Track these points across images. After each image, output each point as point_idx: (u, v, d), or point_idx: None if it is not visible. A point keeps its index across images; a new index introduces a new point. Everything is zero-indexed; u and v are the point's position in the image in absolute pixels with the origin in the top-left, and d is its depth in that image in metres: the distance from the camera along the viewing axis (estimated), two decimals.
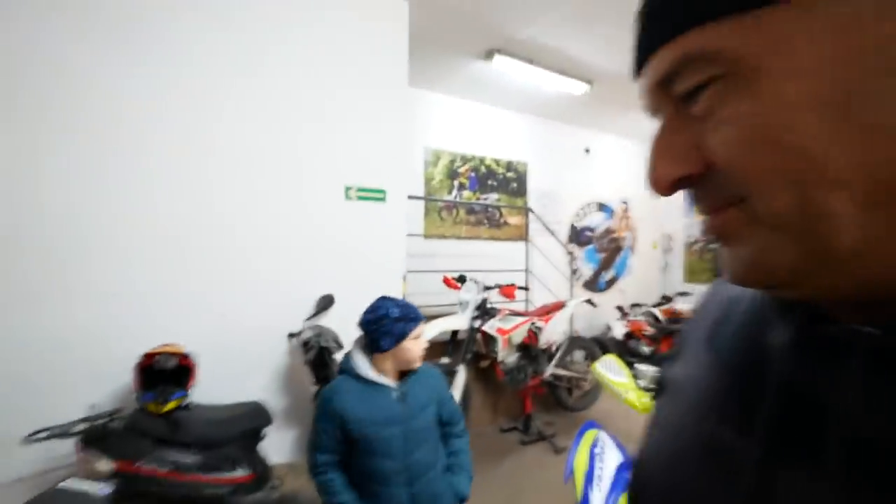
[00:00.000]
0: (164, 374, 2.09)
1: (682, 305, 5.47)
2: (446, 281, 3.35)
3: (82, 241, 2.21)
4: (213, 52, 2.50)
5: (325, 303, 2.63)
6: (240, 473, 2.11)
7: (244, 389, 2.47)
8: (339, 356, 2.45)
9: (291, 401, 2.71)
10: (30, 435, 1.80)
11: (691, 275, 6.65)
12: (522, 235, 4.87)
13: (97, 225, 2.24)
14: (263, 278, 2.62)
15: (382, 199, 3.02)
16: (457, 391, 2.98)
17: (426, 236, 4.08)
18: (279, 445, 2.58)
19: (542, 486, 2.79)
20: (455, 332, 3.21)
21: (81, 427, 1.89)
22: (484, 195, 4.69)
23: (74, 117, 2.19)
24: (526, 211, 4.93)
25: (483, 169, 4.67)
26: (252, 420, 2.25)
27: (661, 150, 0.28)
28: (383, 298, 1.39)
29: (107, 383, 2.21)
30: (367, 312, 1.37)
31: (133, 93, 2.31)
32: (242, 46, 2.57)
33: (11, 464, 2.03)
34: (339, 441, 1.30)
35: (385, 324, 1.32)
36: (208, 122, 2.48)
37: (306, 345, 2.45)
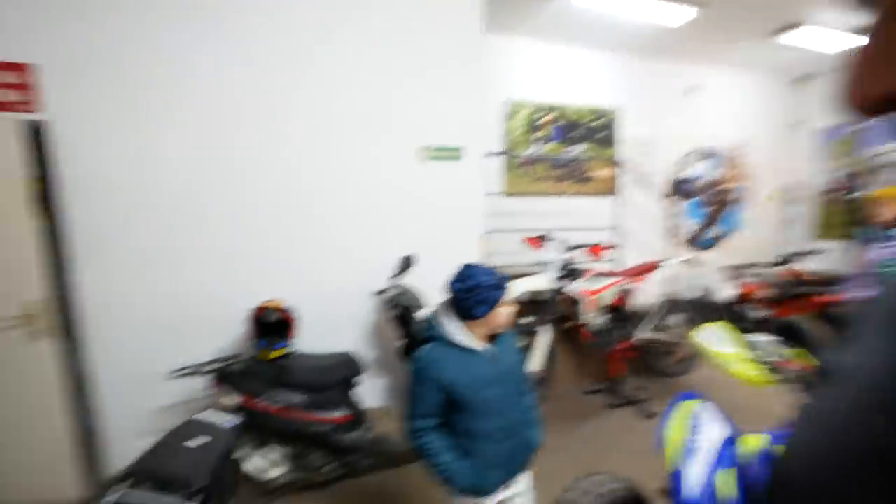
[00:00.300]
0: (271, 325, 2.36)
1: (808, 265, 4.74)
2: (528, 240, 3.27)
3: (202, 214, 2.54)
4: (291, 25, 2.60)
5: (407, 263, 2.73)
6: (339, 414, 2.36)
7: (340, 341, 2.72)
8: (420, 315, 2.57)
9: (380, 352, 2.93)
10: (173, 371, 2.18)
11: (824, 230, 5.68)
12: (611, 189, 4.53)
13: (212, 199, 2.54)
14: (351, 241, 2.81)
15: (458, 158, 2.99)
16: (539, 352, 2.96)
17: (506, 194, 3.98)
18: (371, 392, 2.83)
19: (629, 450, 2.72)
20: (537, 292, 3.16)
21: (212, 367, 2.24)
22: (568, 148, 4.40)
23: (181, 103, 2.45)
24: (616, 162, 4.55)
25: (567, 119, 4.36)
26: (346, 368, 2.47)
27: (876, 56, 0.22)
28: (471, 266, 1.39)
29: (232, 329, 2.58)
30: (457, 281, 1.38)
31: (227, 73, 2.51)
32: (317, 14, 2.64)
33: (160, 394, 2.50)
34: (440, 406, 1.36)
35: (479, 292, 1.33)
36: (291, 94, 2.63)
37: (391, 303, 2.59)
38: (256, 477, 2.22)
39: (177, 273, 2.51)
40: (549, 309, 3.10)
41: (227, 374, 2.25)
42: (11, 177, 2.11)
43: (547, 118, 4.21)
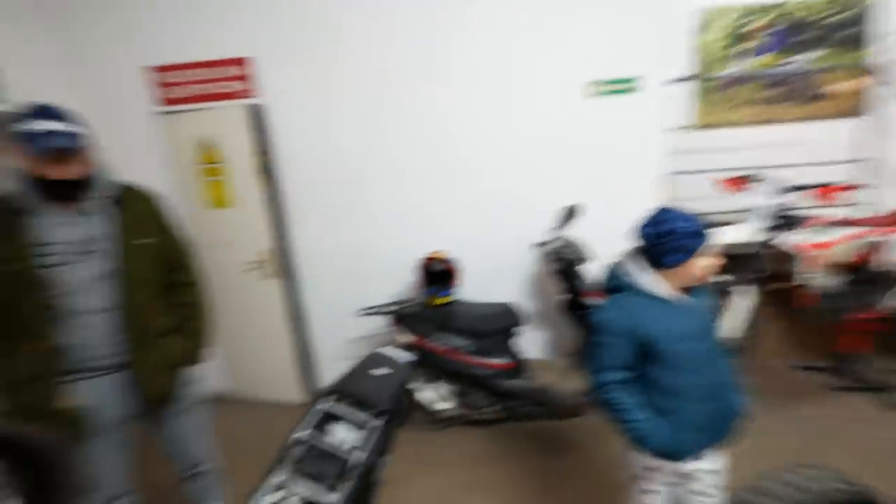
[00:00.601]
0: (437, 274, 2.52)
1: None
2: (727, 182, 2.70)
3: (379, 173, 2.80)
4: None
5: (570, 213, 2.55)
6: (500, 361, 2.43)
7: (501, 292, 2.75)
8: (584, 269, 2.40)
9: (541, 306, 2.86)
10: (360, 311, 2.54)
11: None
12: (856, 109, 3.35)
13: (384, 156, 2.77)
14: (512, 191, 2.74)
15: (632, 90, 2.58)
16: (737, 316, 2.50)
17: (697, 127, 3.28)
18: (533, 344, 2.82)
19: (859, 446, 2.14)
20: (736, 245, 2.62)
21: (390, 308, 2.53)
22: (790, 59, 3.35)
23: (356, 76, 2.67)
24: (867, 70, 3.30)
25: (791, 19, 3.29)
26: (506, 318, 2.50)
27: None
28: (666, 209, 1.24)
29: (405, 277, 2.85)
30: (649, 225, 1.24)
31: (389, 40, 2.62)
32: None
33: (353, 328, 2.94)
34: (630, 359, 1.27)
35: (674, 239, 1.18)
36: (449, 43, 2.61)
37: (552, 256, 2.47)
38: (428, 407, 2.48)
39: (362, 226, 2.87)
40: (753, 266, 2.55)
41: (402, 316, 2.51)
42: (244, 153, 2.65)
43: (758, 23, 3.26)
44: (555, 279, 2.49)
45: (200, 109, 2.71)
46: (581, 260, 2.42)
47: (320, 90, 2.69)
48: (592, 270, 2.42)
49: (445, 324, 2.45)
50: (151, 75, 2.72)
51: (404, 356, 1.71)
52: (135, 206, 1.49)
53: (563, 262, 2.41)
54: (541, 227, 2.61)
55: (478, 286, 2.74)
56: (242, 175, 2.70)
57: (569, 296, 2.45)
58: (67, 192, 1.33)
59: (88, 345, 1.42)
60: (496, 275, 2.81)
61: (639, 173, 2.68)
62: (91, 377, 1.44)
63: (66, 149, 1.28)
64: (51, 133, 1.25)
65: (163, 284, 1.57)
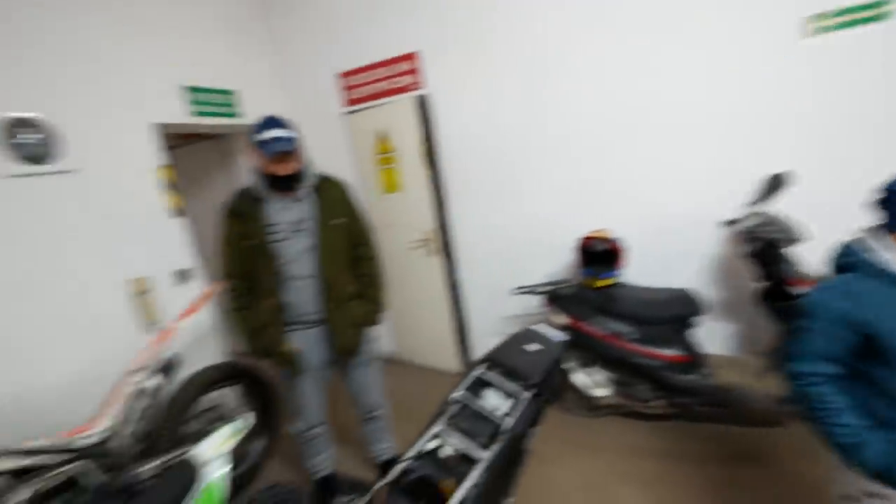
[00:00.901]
0: (598, 254, 2.37)
1: None
2: None
3: (529, 149, 2.75)
4: None
5: (775, 184, 2.09)
6: (672, 352, 2.18)
7: (674, 276, 2.45)
8: (790, 251, 1.96)
9: (727, 293, 2.44)
10: (514, 289, 2.57)
11: None
12: None
13: (540, 134, 2.69)
14: (691, 160, 2.37)
15: (883, 16, 1.94)
16: None
17: None
18: (712, 336, 2.44)
19: None
20: None
21: (544, 289, 2.49)
22: None
23: (511, 56, 2.65)
24: None
25: None
26: (681, 306, 2.22)
27: None
28: None
29: (560, 257, 2.77)
30: None
31: (548, 18, 2.50)
32: None
33: (504, 306, 3.00)
34: (846, 350, 1.05)
35: None
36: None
37: (747, 235, 2.08)
38: (584, 392, 2.39)
39: (518, 206, 2.87)
40: None
41: (556, 297, 2.45)
42: (412, 141, 2.91)
43: None
44: (751, 263, 2.08)
45: (377, 106, 3.05)
46: (788, 240, 1.97)
47: (480, 75, 2.75)
48: (801, 253, 1.97)
49: (607, 307, 2.30)
50: (339, 81, 3.18)
51: (558, 335, 1.68)
52: (329, 193, 1.80)
53: (764, 243, 2.00)
54: (731, 202, 2.23)
55: (649, 269, 2.49)
56: (410, 162, 2.97)
57: (768, 283, 2.05)
58: (287, 184, 1.68)
59: (300, 303, 1.78)
60: (671, 257, 2.50)
61: (881, 130, 2.03)
62: (301, 329, 1.82)
63: (287, 151, 1.61)
64: (276, 139, 1.59)
65: (350, 257, 1.86)
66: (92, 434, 1.65)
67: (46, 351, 1.98)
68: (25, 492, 1.42)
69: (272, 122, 1.63)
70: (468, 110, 2.84)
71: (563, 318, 2.37)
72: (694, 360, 2.18)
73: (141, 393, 1.85)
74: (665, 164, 2.43)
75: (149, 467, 1.72)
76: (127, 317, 2.29)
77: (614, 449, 2.25)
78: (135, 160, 2.39)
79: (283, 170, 1.64)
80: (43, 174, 2.01)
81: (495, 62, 2.70)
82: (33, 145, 1.98)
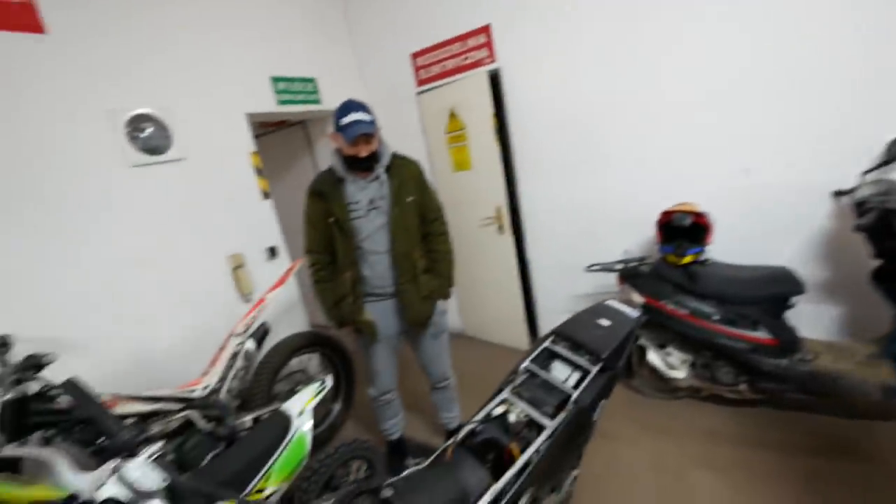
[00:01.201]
0: (682, 230, 2.22)
1: None
2: None
3: (608, 118, 2.60)
4: None
5: None
6: (760, 335, 2.00)
7: (771, 252, 2.23)
8: None
9: (833, 272, 2.17)
10: (588, 267, 2.48)
11: None
12: None
13: (618, 104, 2.54)
14: (793, 122, 2.11)
15: None
16: None
17: None
18: (814, 319, 2.20)
19: None
20: None
21: (619, 266, 2.39)
22: None
23: (585, 30, 2.52)
24: None
25: None
26: (777, 285, 2.02)
27: None
28: None
29: (637, 233, 2.63)
30: None
31: None
32: None
33: (575, 284, 2.92)
34: None
35: None
36: None
37: (861, 206, 1.83)
38: (659, 372, 2.28)
39: (593, 180, 2.76)
40: None
41: (632, 274, 2.34)
42: (483, 117, 2.89)
43: None
44: (869, 238, 1.84)
45: (448, 83, 3.06)
46: None
47: (554, 46, 2.65)
48: None
49: (690, 286, 2.14)
50: (412, 61, 3.23)
51: (633, 313, 1.62)
52: (402, 172, 1.86)
53: (879, 213, 1.75)
54: (843, 169, 1.98)
55: (739, 244, 2.29)
56: (480, 139, 2.96)
57: (885, 261, 1.80)
58: (365, 165, 1.77)
59: (375, 277, 1.89)
60: (767, 231, 2.27)
61: None
62: (376, 300, 1.93)
63: (367, 133, 1.69)
64: (357, 122, 1.67)
65: (421, 234, 1.93)
66: (200, 388, 1.90)
67: (163, 317, 2.29)
68: (152, 430, 1.67)
69: (353, 107, 1.71)
70: (541, 83, 2.76)
71: (638, 297, 2.27)
72: (788, 343, 1.98)
73: (239, 355, 2.08)
74: (760, 128, 2.19)
75: (246, 419, 1.95)
76: (227, 288, 2.57)
77: (689, 432, 2.14)
78: (231, 148, 2.63)
79: (363, 151, 1.72)
80: (158, 163, 2.29)
81: (570, 32, 2.58)
82: (150, 138, 2.26)
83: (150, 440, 0.57)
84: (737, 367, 2.08)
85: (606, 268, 2.40)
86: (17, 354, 1.59)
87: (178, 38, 2.41)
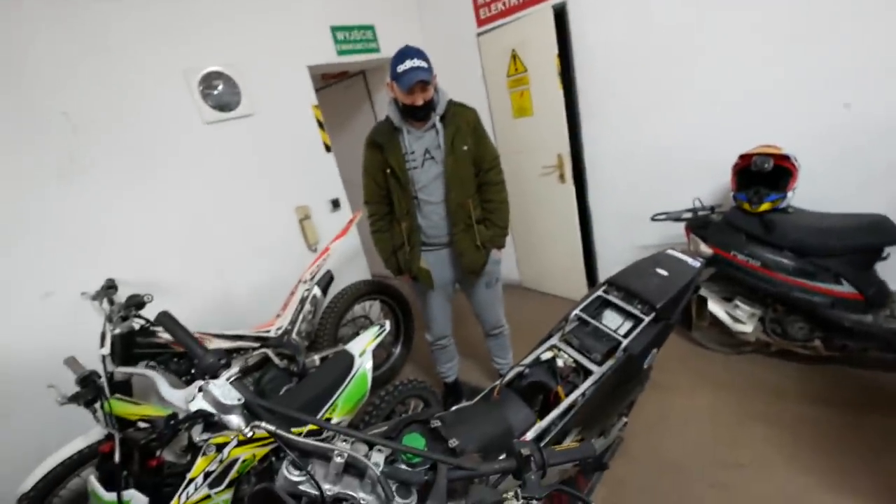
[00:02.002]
0: (761, 175, 2.02)
1: None
2: None
3: (688, 53, 2.36)
4: None
5: None
6: (843, 289, 1.83)
7: (866, 200, 1.98)
8: None
9: None
10: (654, 216, 2.36)
11: None
12: None
13: (701, 35, 2.29)
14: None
15: None
16: None
17: None
18: None
19: None
20: None
21: (688, 215, 2.25)
22: None
23: None
24: None
25: None
26: (870, 234, 1.81)
27: None
28: None
29: (709, 180, 2.44)
30: None
31: None
32: None
33: (639, 234, 2.79)
34: None
35: None
36: None
37: None
38: (725, 324, 2.17)
39: (663, 124, 2.56)
40: None
41: (701, 224, 2.20)
42: (548, 57, 2.71)
43: None
44: None
45: (510, 22, 2.89)
46: None
47: None
48: None
49: (765, 236, 1.98)
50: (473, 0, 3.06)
51: (694, 262, 1.54)
52: (457, 120, 1.82)
53: None
54: None
55: (828, 193, 2.07)
56: (544, 82, 2.80)
57: None
58: (422, 113, 1.75)
59: (431, 226, 1.93)
60: (861, 177, 2.02)
61: None
62: (432, 249, 1.99)
63: (423, 80, 1.66)
64: (413, 69, 1.64)
65: (476, 183, 1.92)
66: (274, 329, 2.12)
67: (240, 264, 2.52)
68: (236, 365, 1.91)
69: (409, 53, 1.67)
70: (611, 18, 2.54)
71: (706, 248, 2.14)
72: (875, 298, 1.80)
73: (307, 300, 2.27)
74: (862, 56, 1.89)
75: (315, 358, 2.15)
76: (295, 238, 2.76)
77: (751, 387, 2.07)
78: (294, 102, 2.72)
79: (419, 100, 1.69)
80: (229, 120, 2.44)
81: None
82: (222, 95, 2.39)
83: (229, 365, 0.68)
84: (812, 322, 1.93)
85: (673, 217, 2.27)
86: (121, 296, 1.86)
87: None
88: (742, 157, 2.08)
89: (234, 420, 0.61)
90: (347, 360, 1.65)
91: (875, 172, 1.99)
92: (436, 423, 0.86)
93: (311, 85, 2.79)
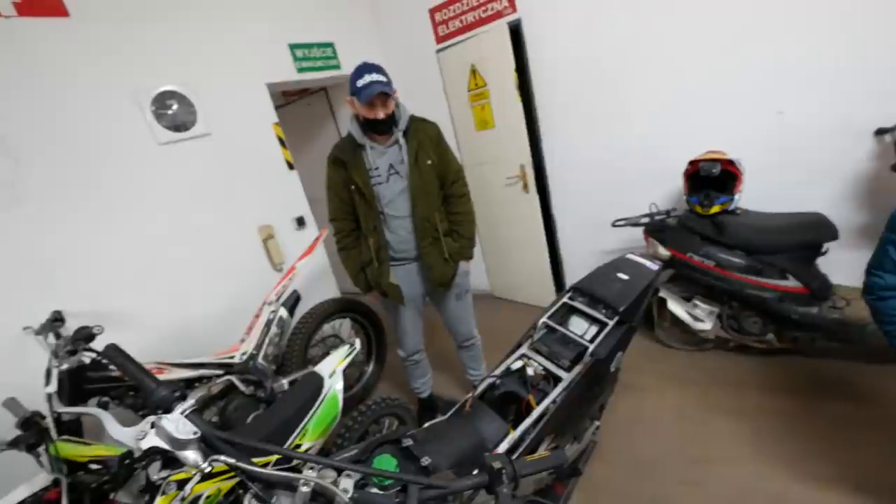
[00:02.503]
0: (710, 179, 2.13)
1: None
2: None
3: (635, 66, 2.48)
4: None
5: None
6: (789, 284, 1.94)
7: (805, 198, 2.12)
8: None
9: (869, 216, 2.06)
10: (614, 222, 2.43)
11: None
12: None
13: (646, 51, 2.41)
14: (830, 60, 1.95)
15: None
16: None
17: None
18: (848, 266, 2.09)
19: None
20: None
21: (646, 220, 2.34)
22: None
23: None
24: None
25: None
26: (809, 232, 1.94)
27: None
28: None
29: (664, 185, 2.55)
30: None
31: None
32: None
33: (608, 238, 2.85)
34: None
35: None
36: None
37: None
38: (685, 324, 2.26)
39: (619, 133, 2.67)
40: None
41: (658, 228, 2.29)
42: (506, 71, 2.78)
43: None
44: None
45: (468, 38, 2.96)
46: None
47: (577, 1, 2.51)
48: None
49: (717, 236, 2.09)
50: (431, 16, 3.11)
51: (652, 265, 1.60)
52: (419, 135, 1.83)
53: None
54: (888, 107, 1.83)
55: (771, 192, 2.19)
56: (502, 95, 2.87)
57: None
58: (383, 128, 1.75)
59: (398, 240, 1.92)
60: (802, 177, 2.16)
61: None
62: (400, 264, 1.98)
63: (384, 92, 1.65)
64: (373, 82, 1.64)
65: (441, 196, 1.93)
66: (239, 354, 2.03)
67: (201, 289, 2.43)
68: (198, 393, 1.82)
69: (367, 68, 1.67)
70: (563, 33, 2.64)
71: (664, 251, 2.22)
72: (818, 291, 1.92)
73: (273, 323, 2.20)
74: (793, 66, 2.05)
75: (283, 382, 2.08)
76: (259, 259, 2.69)
77: (714, 382, 2.15)
78: (254, 120, 2.67)
79: (381, 113, 1.69)
80: (185, 140, 2.36)
81: None
82: (176, 115, 2.32)
83: (184, 398, 0.64)
84: (765, 316, 2.04)
85: (632, 222, 2.35)
86: (69, 329, 1.74)
87: (194, 12, 2.41)
88: (692, 162, 2.19)
89: (191, 456, 0.58)
90: (317, 383, 1.60)
91: (811, 174, 2.13)
92: (407, 442, 0.84)
93: (271, 102, 2.75)
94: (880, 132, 1.90)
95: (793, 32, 2.00)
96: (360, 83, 1.65)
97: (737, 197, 2.11)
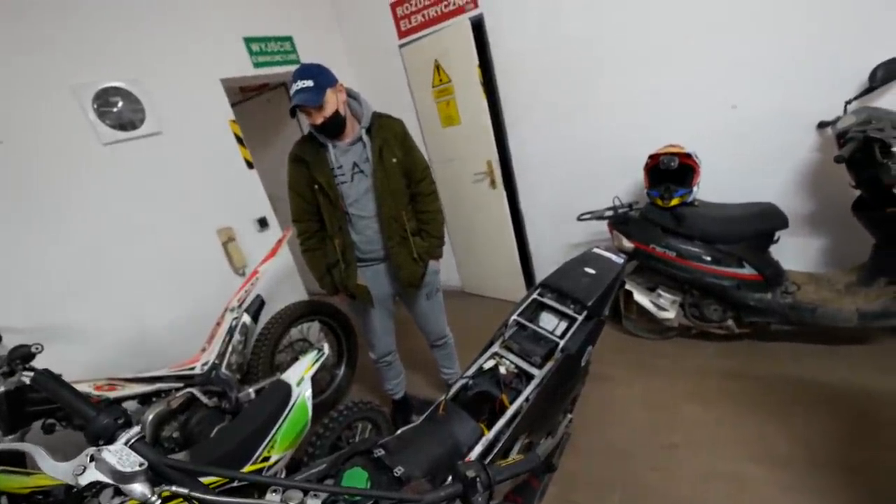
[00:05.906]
0: (669, 172, 2.18)
1: None
2: None
3: (596, 62, 2.51)
4: None
5: (890, 71, 1.75)
6: (745, 271, 2.03)
7: (759, 188, 2.22)
8: None
9: (817, 205, 2.17)
10: (580, 216, 2.47)
11: None
12: None
13: (605, 46, 2.44)
14: (775, 52, 2.03)
15: None
16: None
17: None
18: (798, 252, 2.22)
19: None
20: None
21: (609, 213, 2.38)
22: None
23: None
24: None
25: None
26: (762, 221, 2.03)
27: None
28: None
29: (626, 179, 2.61)
30: None
31: None
32: None
33: (569, 234, 2.93)
34: None
35: None
36: None
37: (842, 136, 1.79)
38: (650, 313, 2.33)
39: (583, 128, 2.70)
40: None
41: (621, 221, 2.34)
42: (469, 67, 2.76)
43: None
44: (849, 168, 1.81)
45: (431, 34, 2.92)
46: (893, 139, 1.67)
47: None
48: None
49: (677, 228, 2.15)
50: (392, 11, 3.04)
51: (617, 259, 1.63)
52: (383, 132, 1.77)
53: (859, 142, 1.71)
54: (827, 100, 1.92)
55: (726, 184, 2.28)
56: (467, 91, 2.85)
57: (865, 190, 1.79)
58: (331, 130, 1.68)
59: (365, 241, 1.87)
60: (754, 168, 2.25)
61: None
62: (368, 265, 1.93)
63: (304, 106, 1.57)
64: (298, 92, 1.56)
65: (408, 194, 1.88)
66: (199, 365, 1.94)
67: (156, 297, 2.30)
68: (153, 411, 1.71)
69: (298, 73, 1.60)
70: (526, 29, 2.64)
71: (628, 243, 2.27)
72: (772, 277, 2.02)
73: (235, 330, 2.11)
74: (744, 62, 2.12)
75: (249, 391, 2.00)
76: (220, 263, 2.57)
77: (679, 369, 2.23)
78: (209, 117, 2.54)
79: (317, 118, 1.62)
80: (132, 139, 2.22)
81: None
82: (122, 113, 2.17)
83: (129, 424, 0.58)
84: (724, 304, 2.13)
85: (597, 216, 2.39)
86: (5, 347, 1.60)
87: (141, 3, 2.26)
88: (651, 156, 2.25)
89: (137, 489, 0.53)
90: (284, 391, 1.54)
91: (763, 165, 2.23)
92: (379, 452, 0.81)
93: (227, 99, 2.63)
94: (822, 125, 2.00)
95: (747, 29, 2.07)
96: (292, 91, 1.59)
97: (695, 189, 2.17)
